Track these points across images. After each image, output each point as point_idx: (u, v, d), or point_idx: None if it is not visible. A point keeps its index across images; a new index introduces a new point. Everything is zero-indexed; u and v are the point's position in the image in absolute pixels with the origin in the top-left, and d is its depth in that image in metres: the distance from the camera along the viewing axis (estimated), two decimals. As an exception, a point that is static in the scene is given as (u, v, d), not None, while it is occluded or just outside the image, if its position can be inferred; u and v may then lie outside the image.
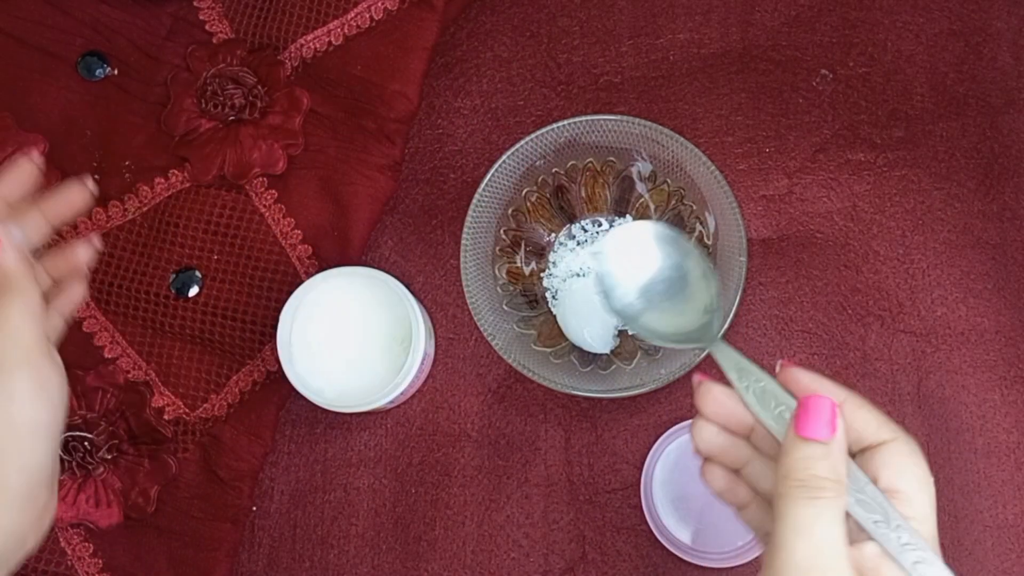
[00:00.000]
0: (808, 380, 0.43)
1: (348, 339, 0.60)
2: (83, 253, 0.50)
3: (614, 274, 0.48)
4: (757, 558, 0.59)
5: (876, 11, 0.66)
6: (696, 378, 0.45)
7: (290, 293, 0.62)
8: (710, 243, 0.61)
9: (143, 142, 0.64)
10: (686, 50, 0.66)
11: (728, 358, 0.45)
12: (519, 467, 0.62)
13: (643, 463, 0.61)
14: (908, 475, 0.41)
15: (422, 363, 0.60)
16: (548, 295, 0.63)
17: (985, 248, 0.63)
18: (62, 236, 0.62)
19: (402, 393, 0.59)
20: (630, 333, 0.62)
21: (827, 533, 0.39)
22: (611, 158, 0.62)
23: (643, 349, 0.61)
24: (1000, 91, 0.65)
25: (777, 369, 0.44)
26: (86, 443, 0.59)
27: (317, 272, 0.62)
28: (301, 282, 0.62)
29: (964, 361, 0.61)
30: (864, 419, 0.42)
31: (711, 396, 0.45)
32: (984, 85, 0.65)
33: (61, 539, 0.60)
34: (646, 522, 0.60)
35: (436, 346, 0.63)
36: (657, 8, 0.67)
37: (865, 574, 0.40)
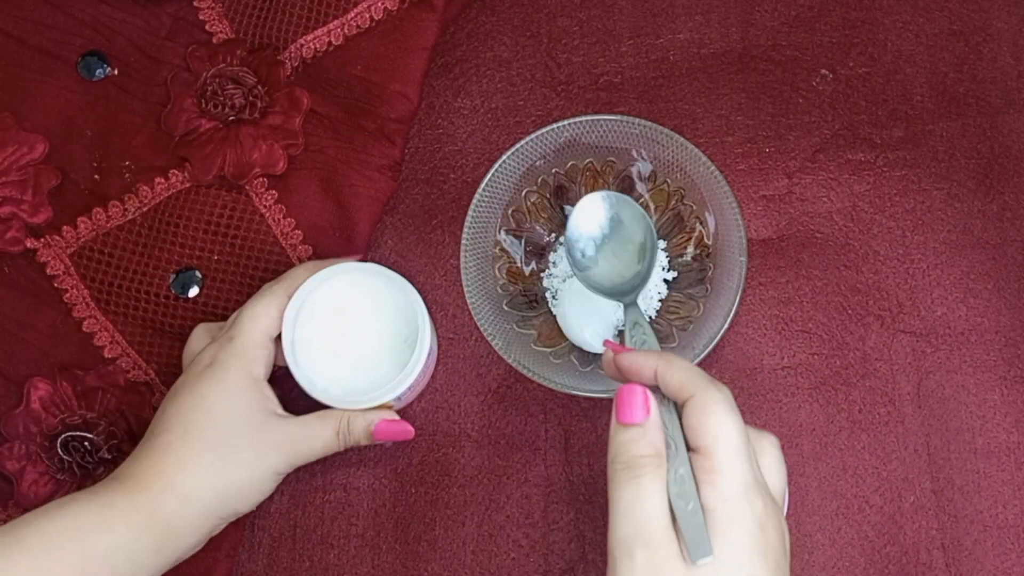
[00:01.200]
0: (625, 360, 0.48)
1: (353, 336, 0.59)
2: None
3: (576, 230, 0.58)
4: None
5: (876, 11, 0.66)
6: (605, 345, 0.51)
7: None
8: (710, 243, 0.61)
9: (143, 142, 0.64)
10: (686, 50, 0.66)
11: (631, 314, 0.54)
12: (519, 467, 0.62)
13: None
14: (703, 430, 0.44)
15: (428, 358, 0.59)
16: (548, 295, 0.63)
17: (985, 248, 0.63)
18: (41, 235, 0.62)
19: (409, 389, 0.59)
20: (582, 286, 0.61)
21: (649, 507, 0.43)
22: (611, 158, 0.62)
23: (643, 349, 0.61)
24: (1000, 91, 0.65)
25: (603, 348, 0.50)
26: (86, 443, 0.59)
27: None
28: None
29: (964, 361, 0.61)
30: (678, 378, 0.45)
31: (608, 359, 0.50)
32: (984, 85, 0.65)
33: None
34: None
35: (437, 346, 0.64)
36: (657, 8, 0.67)
37: None
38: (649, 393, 0.46)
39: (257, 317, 0.57)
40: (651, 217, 0.63)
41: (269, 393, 0.57)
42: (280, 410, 0.57)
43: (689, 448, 0.44)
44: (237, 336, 0.56)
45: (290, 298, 0.58)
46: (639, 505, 0.43)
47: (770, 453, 0.46)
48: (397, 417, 0.59)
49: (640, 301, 0.61)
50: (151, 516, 0.52)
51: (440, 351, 0.63)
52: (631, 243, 0.58)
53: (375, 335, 0.59)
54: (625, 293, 0.56)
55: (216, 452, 0.54)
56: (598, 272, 0.57)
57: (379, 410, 0.58)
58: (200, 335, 0.59)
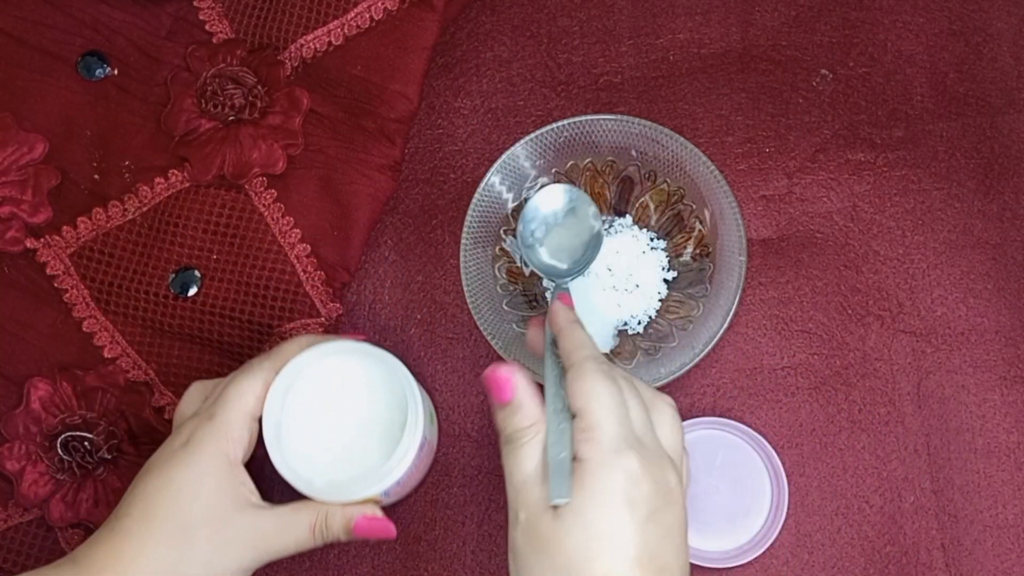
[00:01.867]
0: (554, 317, 0.52)
1: (342, 423, 0.55)
2: None
3: (534, 210, 0.60)
4: (758, 557, 0.59)
5: (876, 11, 0.66)
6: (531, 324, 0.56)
7: (288, 292, 0.62)
8: (710, 243, 0.61)
9: (143, 142, 0.64)
10: (686, 50, 0.66)
11: (559, 291, 0.58)
12: (519, 467, 0.62)
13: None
14: (578, 393, 0.47)
15: (421, 450, 0.55)
16: (548, 295, 0.63)
17: (985, 248, 0.63)
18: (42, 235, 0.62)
19: (398, 483, 0.54)
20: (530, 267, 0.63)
21: (527, 469, 0.47)
22: (611, 158, 0.62)
23: (643, 349, 0.61)
24: (1000, 91, 0.65)
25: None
26: (86, 443, 0.59)
27: (316, 271, 0.62)
28: (300, 281, 0.62)
29: (964, 361, 0.61)
30: (565, 346, 0.50)
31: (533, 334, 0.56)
32: (984, 85, 0.65)
33: (61, 539, 0.60)
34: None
35: (436, 346, 0.63)
36: (657, 8, 0.67)
37: None
38: (513, 373, 0.49)
39: (241, 394, 0.53)
40: (653, 217, 0.63)
41: (245, 479, 0.53)
42: (256, 497, 0.53)
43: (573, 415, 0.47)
44: (217, 414, 0.52)
45: (277, 375, 0.54)
46: (519, 470, 0.47)
47: (665, 413, 0.49)
48: (380, 514, 0.54)
49: (640, 301, 0.61)
50: None
51: (440, 351, 0.63)
52: (578, 236, 0.60)
53: (366, 423, 0.55)
54: (560, 276, 0.59)
55: (175, 546, 0.50)
56: (541, 252, 0.60)
57: (363, 505, 0.54)
58: (193, 395, 0.56)
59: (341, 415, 0.55)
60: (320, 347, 0.54)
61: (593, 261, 0.60)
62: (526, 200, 0.61)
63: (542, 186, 0.62)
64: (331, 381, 0.55)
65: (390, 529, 0.54)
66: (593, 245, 0.59)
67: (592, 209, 0.59)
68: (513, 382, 0.48)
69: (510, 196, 0.62)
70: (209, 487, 0.51)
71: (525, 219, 0.59)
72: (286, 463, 0.53)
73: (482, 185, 0.60)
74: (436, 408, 0.63)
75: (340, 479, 0.54)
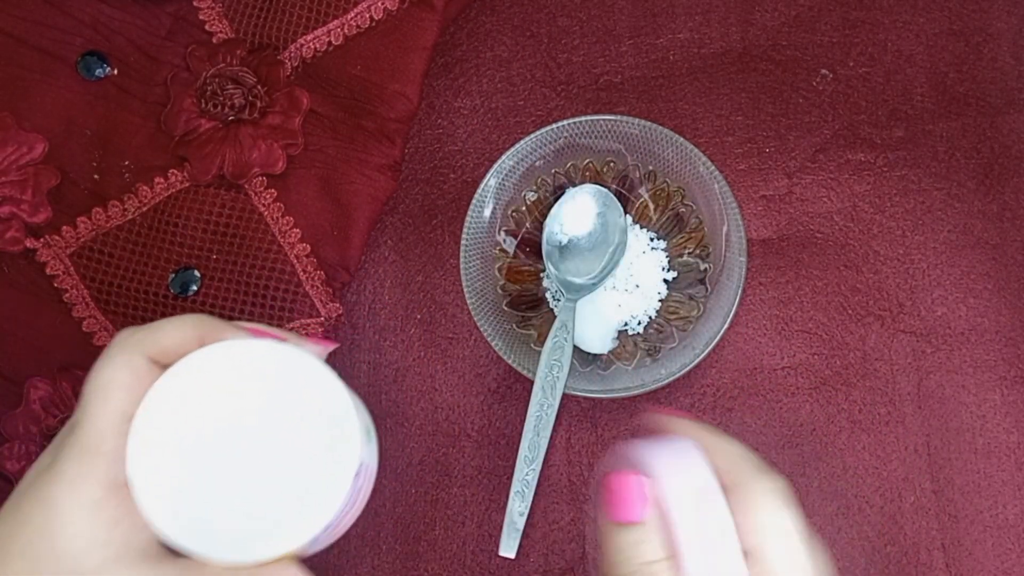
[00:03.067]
0: (664, 421, 0.40)
1: (248, 449, 0.39)
2: None
3: (559, 218, 0.61)
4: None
5: (876, 11, 0.66)
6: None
7: (288, 292, 0.62)
8: (710, 243, 0.61)
9: (143, 142, 0.64)
10: (686, 50, 0.66)
11: (567, 311, 0.58)
12: (519, 467, 0.62)
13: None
14: (749, 529, 0.36)
15: (357, 479, 0.41)
16: (548, 295, 0.63)
17: (985, 248, 0.63)
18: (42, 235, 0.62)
19: (327, 529, 0.40)
20: (555, 277, 0.62)
21: None
22: (611, 158, 0.62)
23: (643, 349, 0.61)
24: (1000, 91, 0.65)
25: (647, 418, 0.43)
26: (86, 443, 0.59)
27: (316, 271, 0.62)
28: (300, 281, 0.62)
29: (964, 361, 0.61)
30: (721, 461, 0.38)
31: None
32: (984, 85, 0.65)
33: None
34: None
35: (435, 346, 0.63)
36: (657, 8, 0.67)
37: None
38: (644, 484, 0.37)
39: (104, 390, 0.38)
40: (653, 217, 0.63)
41: (133, 511, 0.38)
42: (150, 538, 0.38)
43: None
44: (81, 421, 0.38)
45: (158, 367, 0.39)
46: None
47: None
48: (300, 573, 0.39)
49: (640, 301, 0.61)
50: None
51: (440, 351, 0.63)
52: (600, 250, 0.60)
53: (280, 448, 0.39)
54: (575, 290, 0.60)
55: None
56: (562, 266, 0.60)
57: (278, 565, 0.39)
58: (116, 358, 0.39)
59: (246, 438, 0.39)
60: (224, 344, 0.40)
61: (607, 277, 0.61)
62: (556, 200, 0.61)
63: (561, 185, 0.62)
64: (232, 389, 0.40)
65: None
66: (611, 264, 0.60)
67: (621, 221, 0.60)
68: (645, 494, 0.37)
69: (511, 196, 0.62)
70: (76, 530, 0.36)
71: (550, 227, 0.61)
72: (156, 505, 0.38)
73: (482, 185, 0.60)
74: (435, 408, 0.62)
75: (245, 530, 0.38)
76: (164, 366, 0.40)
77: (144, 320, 0.62)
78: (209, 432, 0.39)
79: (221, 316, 0.62)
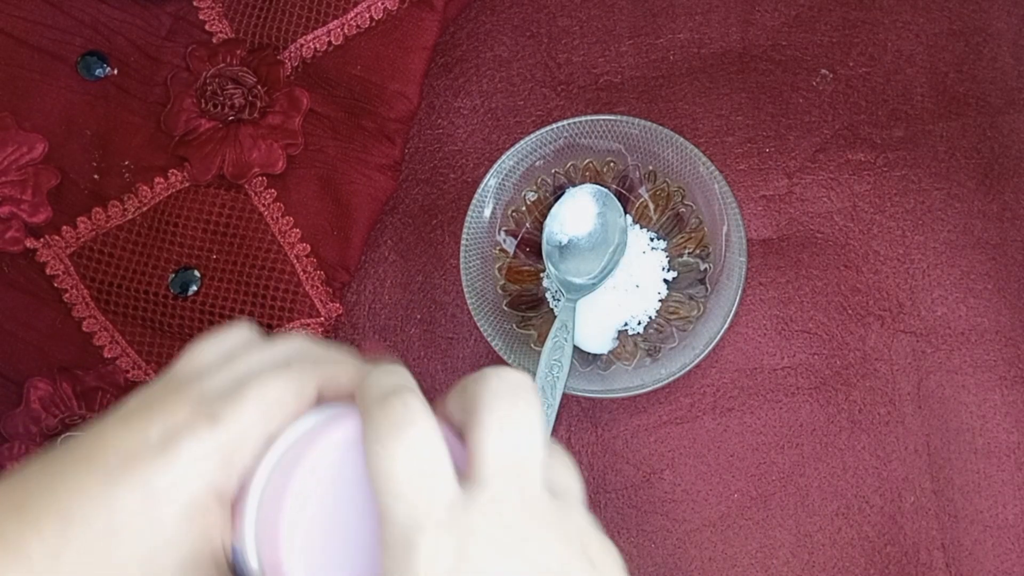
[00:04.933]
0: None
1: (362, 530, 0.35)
2: None
3: (559, 218, 0.61)
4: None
5: (876, 11, 0.66)
6: None
7: (288, 292, 0.62)
8: (710, 243, 0.61)
9: (143, 142, 0.64)
10: (686, 50, 0.66)
11: (567, 312, 0.59)
12: (519, 467, 0.62)
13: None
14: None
15: None
16: (548, 295, 0.63)
17: (985, 248, 0.63)
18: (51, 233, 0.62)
19: None
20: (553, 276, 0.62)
21: None
22: (611, 158, 0.62)
23: (643, 349, 0.61)
24: (1000, 91, 0.65)
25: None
26: (86, 443, 0.59)
27: (316, 271, 0.62)
28: (299, 281, 0.62)
29: (964, 361, 0.61)
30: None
31: None
32: (984, 85, 0.65)
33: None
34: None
35: (435, 346, 0.63)
36: (657, 8, 0.67)
37: None
38: None
39: (268, 403, 0.35)
40: (653, 217, 0.63)
41: (224, 534, 0.35)
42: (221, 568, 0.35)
43: None
44: (225, 418, 0.34)
45: (311, 403, 0.36)
46: None
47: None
48: None
49: (640, 301, 0.61)
50: None
51: (440, 351, 0.63)
52: (600, 250, 0.60)
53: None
54: (575, 291, 0.60)
55: None
56: (561, 266, 0.61)
57: None
58: (292, 380, 0.36)
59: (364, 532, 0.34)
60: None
61: (607, 277, 0.60)
62: (556, 200, 0.61)
63: (561, 185, 0.62)
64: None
65: None
66: (611, 264, 0.60)
67: (621, 221, 0.61)
68: None
69: (511, 196, 0.62)
70: (172, 531, 0.33)
71: (550, 227, 0.61)
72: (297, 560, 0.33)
73: (482, 185, 0.60)
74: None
75: None
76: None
77: (144, 320, 0.62)
78: (337, 506, 0.34)
79: (221, 316, 0.62)
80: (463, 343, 0.63)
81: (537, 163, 0.61)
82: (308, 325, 0.62)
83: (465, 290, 0.59)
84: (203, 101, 0.63)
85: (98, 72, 0.65)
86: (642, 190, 0.63)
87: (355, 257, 0.63)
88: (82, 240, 0.63)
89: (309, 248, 0.62)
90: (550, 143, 0.61)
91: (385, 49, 0.64)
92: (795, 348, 0.62)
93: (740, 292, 0.57)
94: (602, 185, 0.62)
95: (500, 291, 0.62)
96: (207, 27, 0.65)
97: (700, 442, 0.61)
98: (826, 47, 0.66)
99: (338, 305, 0.62)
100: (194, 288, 0.62)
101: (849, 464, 0.61)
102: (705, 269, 0.61)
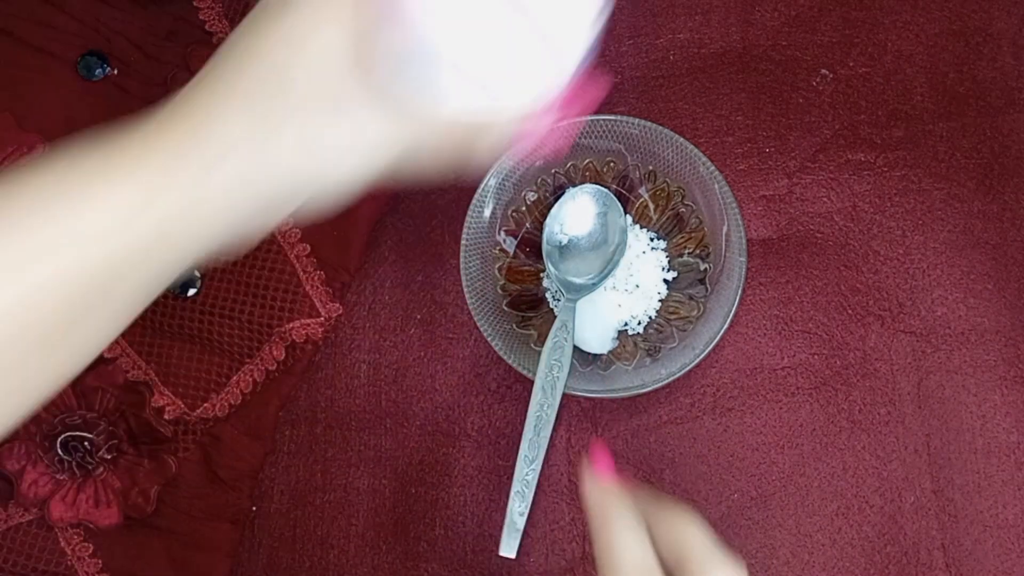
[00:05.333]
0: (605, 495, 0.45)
1: None
2: None
3: (559, 218, 0.61)
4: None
5: (876, 11, 0.66)
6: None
7: (288, 292, 0.62)
8: (710, 243, 0.61)
9: (143, 142, 0.64)
10: (686, 50, 0.66)
11: (567, 312, 0.59)
12: (519, 467, 0.62)
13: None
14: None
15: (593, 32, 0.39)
16: (548, 295, 0.63)
17: (985, 248, 0.63)
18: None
19: (561, 81, 0.38)
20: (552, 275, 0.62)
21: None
22: (611, 158, 0.62)
23: (643, 349, 0.61)
24: (1000, 91, 0.65)
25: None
26: (86, 443, 0.59)
27: (316, 271, 0.62)
28: (299, 281, 0.62)
29: (964, 361, 0.61)
30: (673, 533, 0.43)
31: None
32: (984, 85, 0.65)
33: (61, 539, 0.60)
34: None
35: (435, 346, 0.63)
36: (657, 8, 0.67)
37: None
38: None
39: None
40: (653, 217, 0.63)
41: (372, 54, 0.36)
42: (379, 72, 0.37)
43: None
44: None
45: None
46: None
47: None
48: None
49: (640, 301, 0.61)
50: (166, 175, 0.35)
51: (439, 351, 0.63)
52: (600, 250, 0.60)
53: None
54: (575, 291, 0.60)
55: (267, 119, 0.36)
56: (561, 266, 0.61)
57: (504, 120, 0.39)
58: None
59: None
60: None
61: (607, 278, 0.60)
62: (556, 200, 0.61)
63: (561, 185, 0.62)
64: None
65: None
66: (611, 264, 0.60)
67: (621, 221, 0.61)
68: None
69: (511, 196, 0.62)
70: (326, 42, 0.36)
71: (550, 227, 0.61)
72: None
73: (482, 185, 0.60)
74: (435, 408, 0.62)
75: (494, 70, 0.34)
76: None
77: (144, 320, 0.62)
78: None
79: (221, 316, 0.62)
80: (463, 343, 0.63)
81: (537, 163, 0.61)
82: (308, 325, 0.62)
83: (465, 290, 0.59)
84: (203, 101, 0.63)
85: (98, 72, 0.65)
86: (642, 190, 0.63)
87: (355, 257, 0.63)
88: (82, 240, 0.63)
89: (309, 248, 0.62)
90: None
91: (385, 49, 0.64)
92: (795, 348, 0.62)
93: (740, 292, 0.57)
94: (602, 185, 0.62)
95: (500, 291, 0.62)
96: (207, 27, 0.65)
97: (700, 442, 0.61)
98: (826, 47, 0.66)
99: (338, 305, 0.62)
100: (194, 288, 0.62)
101: (849, 464, 0.61)
102: (705, 269, 0.61)
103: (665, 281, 0.62)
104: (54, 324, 0.34)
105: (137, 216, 0.35)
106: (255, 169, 0.36)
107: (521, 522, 0.56)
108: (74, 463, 0.59)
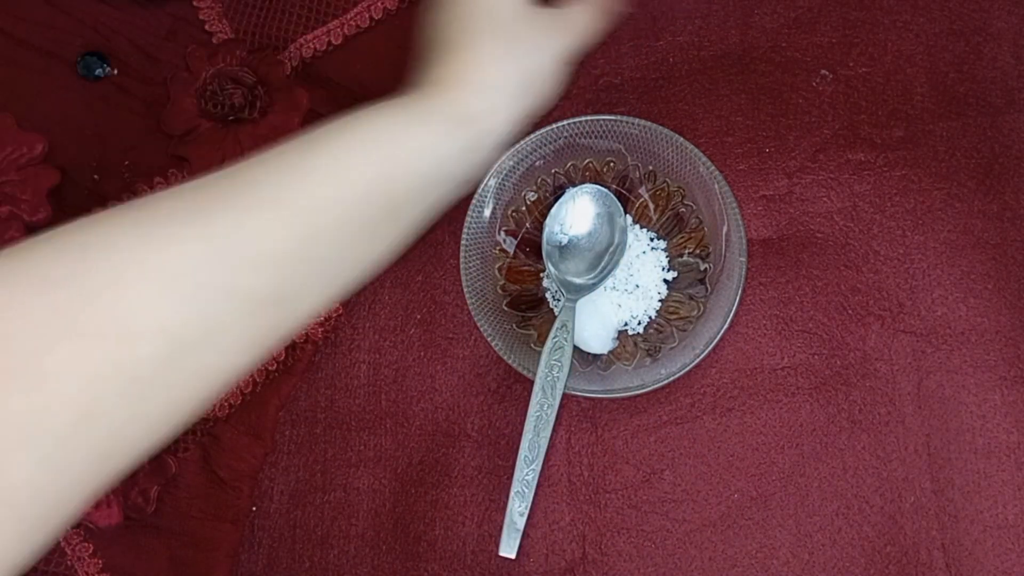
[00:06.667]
0: None
1: None
2: None
3: (559, 218, 0.61)
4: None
5: (876, 11, 0.66)
6: None
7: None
8: (710, 243, 0.61)
9: (142, 142, 0.64)
10: (686, 52, 0.66)
11: (567, 312, 0.59)
12: (519, 467, 0.62)
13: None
14: None
15: None
16: (548, 295, 0.63)
17: (985, 248, 0.63)
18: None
19: None
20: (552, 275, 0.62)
21: None
22: (611, 158, 0.62)
23: (643, 349, 0.61)
24: (1000, 91, 0.65)
25: None
26: (86, 443, 0.59)
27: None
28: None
29: (964, 361, 0.61)
30: None
31: None
32: (984, 85, 0.65)
33: (61, 539, 0.60)
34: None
35: (435, 346, 0.63)
36: (657, 10, 0.67)
37: None
38: None
39: None
40: (653, 217, 0.63)
41: None
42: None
43: None
44: None
45: None
46: None
47: None
48: None
49: (640, 301, 0.61)
50: (456, 114, 0.48)
51: (440, 351, 0.63)
52: (600, 250, 0.61)
53: None
54: (575, 291, 0.60)
55: (502, 43, 0.50)
56: (561, 265, 0.61)
57: None
58: None
59: None
60: None
61: (606, 278, 0.60)
62: (556, 200, 0.61)
63: (561, 185, 0.62)
64: None
65: None
66: (609, 264, 0.60)
67: (621, 221, 0.61)
68: None
69: (511, 196, 0.62)
70: None
71: (550, 227, 0.61)
72: None
73: (482, 185, 0.60)
74: (435, 408, 0.62)
75: None
76: None
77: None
78: None
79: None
80: (463, 343, 0.63)
81: (537, 163, 0.61)
82: (308, 325, 0.62)
83: (465, 290, 0.59)
84: (203, 101, 0.63)
85: (98, 72, 0.65)
86: (642, 190, 0.63)
87: (355, 257, 0.63)
88: (82, 240, 0.63)
89: (309, 248, 0.62)
90: (550, 143, 0.61)
91: (385, 49, 0.64)
92: (795, 348, 0.62)
93: (740, 292, 0.57)
94: (602, 185, 0.62)
95: (500, 291, 0.62)
96: (207, 27, 0.65)
97: (700, 442, 0.61)
98: (826, 48, 0.66)
99: (338, 305, 0.62)
100: (194, 288, 0.62)
101: (849, 464, 0.61)
102: (705, 269, 0.61)
103: (665, 281, 0.62)
104: (378, 217, 0.44)
105: (438, 145, 0.46)
106: (508, 131, 0.50)
107: (521, 522, 0.56)
108: (74, 463, 0.59)
